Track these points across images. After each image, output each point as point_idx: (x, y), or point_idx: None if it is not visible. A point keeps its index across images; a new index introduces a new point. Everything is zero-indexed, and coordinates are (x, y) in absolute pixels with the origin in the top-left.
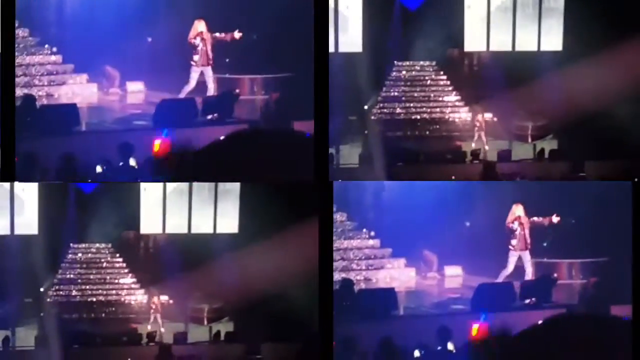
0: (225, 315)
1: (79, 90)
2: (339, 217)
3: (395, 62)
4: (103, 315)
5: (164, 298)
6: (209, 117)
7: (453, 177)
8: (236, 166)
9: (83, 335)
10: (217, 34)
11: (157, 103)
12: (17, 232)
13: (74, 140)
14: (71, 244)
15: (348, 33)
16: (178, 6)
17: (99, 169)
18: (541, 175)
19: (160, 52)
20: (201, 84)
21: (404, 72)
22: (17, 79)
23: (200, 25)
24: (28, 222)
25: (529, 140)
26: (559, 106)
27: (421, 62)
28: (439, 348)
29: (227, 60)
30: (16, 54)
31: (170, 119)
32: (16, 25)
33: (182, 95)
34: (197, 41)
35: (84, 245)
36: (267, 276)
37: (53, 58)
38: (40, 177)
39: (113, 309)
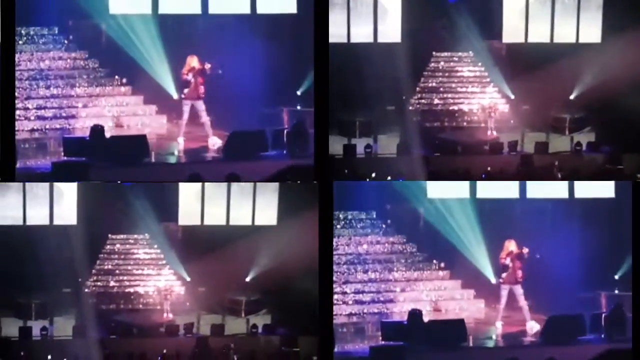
0: (263, 308)
1: (148, 122)
2: (409, 248)
3: (433, 52)
4: (140, 306)
5: (202, 290)
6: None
7: (489, 169)
8: None
9: (120, 325)
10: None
11: (227, 135)
12: (56, 222)
13: (144, 171)
14: (109, 235)
15: (387, 24)
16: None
17: None
18: (578, 168)
19: (232, 85)
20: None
21: (442, 63)
22: (86, 110)
23: (192, 61)
24: (67, 213)
25: (567, 132)
26: (596, 99)
27: (459, 53)
28: None
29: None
30: (85, 84)
31: (240, 151)
32: (86, 56)
33: (182, 128)
34: (189, 77)
35: (122, 236)
36: (305, 269)
37: (122, 89)
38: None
39: (150, 300)
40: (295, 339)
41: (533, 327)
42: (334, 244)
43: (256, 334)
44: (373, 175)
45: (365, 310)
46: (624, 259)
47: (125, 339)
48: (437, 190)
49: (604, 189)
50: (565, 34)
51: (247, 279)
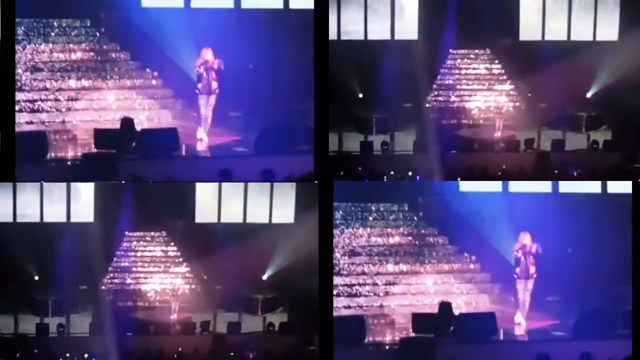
0: (279, 306)
1: (178, 115)
2: (440, 240)
3: (450, 50)
4: (157, 303)
5: (218, 287)
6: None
7: (504, 167)
8: None
9: (137, 323)
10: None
11: (258, 131)
12: (73, 219)
13: (174, 164)
14: (126, 232)
15: (404, 21)
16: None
17: None
18: (594, 166)
19: (261, 80)
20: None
21: (458, 61)
22: (117, 102)
23: (206, 54)
24: (84, 210)
25: (583, 130)
26: (613, 97)
27: (476, 51)
28: None
29: None
30: (117, 77)
31: (271, 146)
32: (117, 48)
33: (201, 123)
34: (201, 70)
35: (138, 233)
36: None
37: (154, 82)
38: None
39: (167, 297)
40: (311, 337)
41: (520, 320)
42: (366, 234)
43: (273, 332)
44: (391, 172)
45: (396, 302)
46: None
47: (142, 336)
48: (470, 183)
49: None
50: (582, 32)
51: (264, 277)
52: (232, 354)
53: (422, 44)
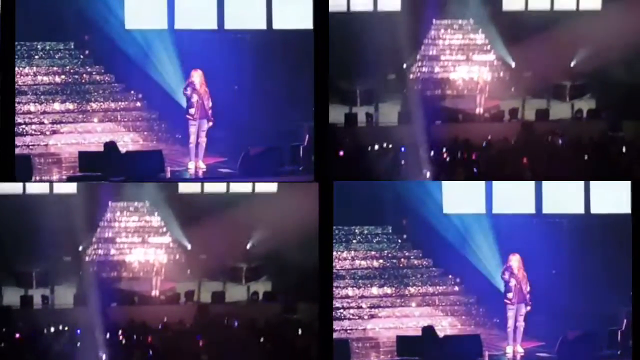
0: (263, 275)
1: (163, 137)
2: (425, 262)
3: (433, 20)
4: (141, 274)
5: (202, 257)
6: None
7: (490, 137)
8: None
9: (121, 294)
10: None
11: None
12: (55, 191)
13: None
14: (110, 203)
15: None
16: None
17: None
18: (579, 134)
19: (245, 100)
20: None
21: (442, 31)
22: (102, 125)
23: (194, 75)
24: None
25: (567, 99)
26: (597, 66)
27: (459, 21)
28: None
29: None
30: (101, 99)
31: (256, 167)
32: (102, 71)
33: (191, 152)
34: (188, 92)
35: (122, 203)
36: (305, 236)
37: (138, 104)
38: None
39: (151, 268)
40: (295, 306)
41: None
42: (350, 257)
43: (257, 301)
44: (376, 147)
45: (380, 325)
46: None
47: (126, 307)
48: (453, 205)
49: (620, 205)
50: (565, 1)
51: (248, 246)
52: (216, 323)
53: (405, 15)
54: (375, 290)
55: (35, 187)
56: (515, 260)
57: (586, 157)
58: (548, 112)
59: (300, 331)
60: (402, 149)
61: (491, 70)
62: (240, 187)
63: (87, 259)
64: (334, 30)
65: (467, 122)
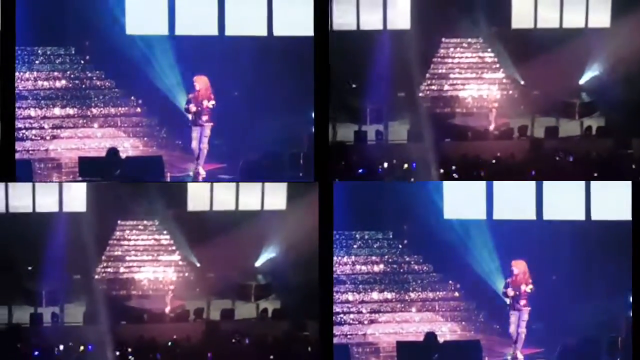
0: (272, 293)
1: (163, 143)
2: (425, 268)
3: (443, 39)
4: (150, 292)
5: (211, 275)
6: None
7: (499, 154)
8: None
9: (130, 311)
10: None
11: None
12: (65, 209)
13: None
14: (119, 221)
15: (397, 10)
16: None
17: None
18: (588, 152)
19: (245, 107)
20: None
21: (451, 49)
22: (102, 130)
23: (199, 82)
24: (76, 200)
25: (576, 117)
26: (606, 83)
27: (469, 39)
28: None
29: None
30: (101, 105)
31: (257, 173)
32: (102, 76)
33: (195, 157)
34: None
35: (131, 222)
36: (314, 254)
37: (138, 110)
38: None
39: (160, 286)
40: (304, 323)
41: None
42: (351, 262)
43: (266, 319)
44: (385, 165)
45: (380, 331)
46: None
47: (136, 325)
48: (454, 211)
49: (621, 212)
50: (574, 19)
51: (257, 264)
52: (225, 340)
53: (414, 33)
54: (375, 296)
55: (44, 205)
56: (519, 266)
57: (595, 175)
58: (557, 129)
59: (309, 348)
60: (413, 165)
61: (500, 88)
62: (249, 205)
63: (96, 277)
64: (343, 48)
65: (476, 140)
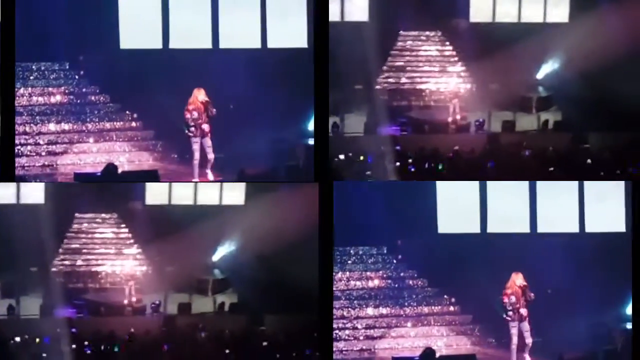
0: (230, 287)
1: (159, 157)
2: (420, 283)
3: (400, 32)
4: (107, 285)
5: (169, 269)
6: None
7: (456, 148)
8: None
9: (87, 304)
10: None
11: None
12: (22, 201)
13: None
14: (76, 214)
15: (354, 2)
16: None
17: None
18: (545, 146)
19: (241, 119)
20: None
21: (409, 42)
22: (98, 145)
23: (198, 95)
24: (34, 192)
25: (533, 111)
26: (563, 78)
27: (427, 32)
28: None
29: None
30: (96, 120)
31: None
32: (97, 91)
33: (195, 169)
34: (194, 113)
35: (89, 215)
36: (271, 248)
37: (134, 124)
38: None
39: (117, 279)
40: (261, 317)
41: None
42: (345, 278)
43: (223, 313)
44: (342, 157)
45: (376, 346)
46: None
47: (93, 318)
48: (448, 225)
49: (615, 224)
50: (532, 14)
51: (214, 259)
52: (183, 334)
53: (372, 25)
54: (370, 311)
55: (2, 197)
56: (516, 278)
57: (552, 169)
58: (514, 123)
59: (265, 343)
60: (369, 158)
61: (458, 81)
62: (208, 199)
63: (53, 269)
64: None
65: (433, 133)
